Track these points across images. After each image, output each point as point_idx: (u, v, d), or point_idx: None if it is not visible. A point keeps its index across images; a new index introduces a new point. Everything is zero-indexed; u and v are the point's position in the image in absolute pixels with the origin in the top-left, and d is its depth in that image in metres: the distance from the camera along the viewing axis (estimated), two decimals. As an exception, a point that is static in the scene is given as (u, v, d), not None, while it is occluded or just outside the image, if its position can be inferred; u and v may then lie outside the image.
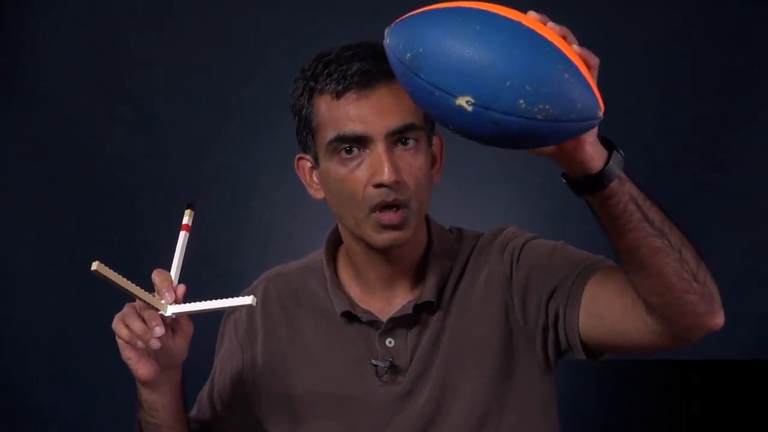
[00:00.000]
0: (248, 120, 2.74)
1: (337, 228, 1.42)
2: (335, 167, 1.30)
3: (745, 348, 2.56)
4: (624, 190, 1.11)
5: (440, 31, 1.00)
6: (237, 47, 2.74)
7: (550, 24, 1.04)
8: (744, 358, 2.56)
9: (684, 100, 2.62)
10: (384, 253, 1.35)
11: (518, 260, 1.35)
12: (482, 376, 1.34)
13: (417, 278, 1.38)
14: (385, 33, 1.06)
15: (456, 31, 1.00)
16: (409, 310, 1.35)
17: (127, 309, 1.26)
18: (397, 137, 1.28)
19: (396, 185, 1.28)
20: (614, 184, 1.10)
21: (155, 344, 1.24)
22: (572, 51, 1.01)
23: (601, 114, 1.01)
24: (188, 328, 1.30)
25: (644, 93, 2.62)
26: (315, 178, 1.37)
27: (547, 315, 1.31)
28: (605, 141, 1.11)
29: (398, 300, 1.38)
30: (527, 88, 0.97)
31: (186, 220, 1.34)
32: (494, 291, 1.36)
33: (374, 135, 1.27)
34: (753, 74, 2.59)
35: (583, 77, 1.00)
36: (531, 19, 1.02)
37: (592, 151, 1.08)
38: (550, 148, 1.09)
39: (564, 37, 1.03)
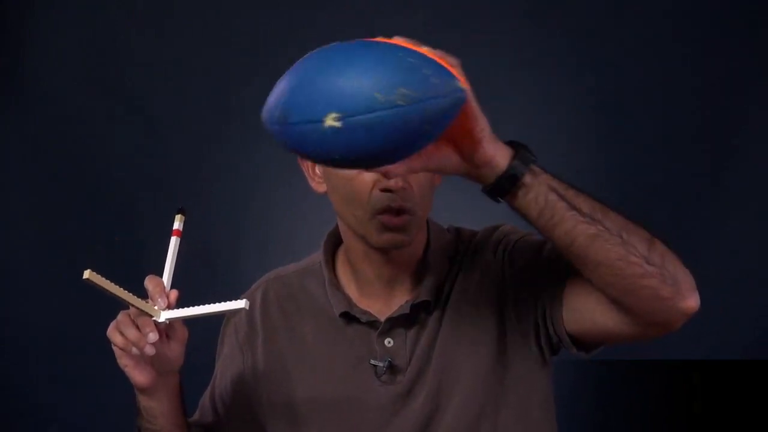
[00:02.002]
0: (248, 120, 2.73)
1: (335, 229, 1.43)
2: None
3: (746, 348, 2.56)
4: (540, 182, 1.12)
5: (290, 79, 1.03)
6: (237, 47, 2.74)
7: (396, 38, 1.06)
8: (744, 358, 2.56)
9: (684, 100, 2.62)
10: (383, 252, 1.35)
11: (511, 258, 1.36)
12: (478, 374, 1.34)
13: (415, 278, 1.39)
14: (262, 115, 1.07)
15: (303, 69, 1.03)
16: (407, 310, 1.36)
17: (121, 316, 1.27)
18: None
19: (403, 191, 1.28)
20: (527, 178, 1.11)
21: (150, 350, 1.25)
22: (420, 48, 1.04)
23: (461, 85, 1.03)
24: (183, 333, 1.31)
25: (644, 92, 2.62)
26: (318, 171, 1.37)
27: (536, 311, 1.32)
28: (511, 143, 1.13)
29: (397, 300, 1.38)
30: (379, 80, 0.98)
31: (177, 225, 1.34)
32: (489, 289, 1.36)
33: None
34: (753, 74, 2.59)
35: (431, 59, 1.02)
36: (379, 39, 1.05)
37: (493, 149, 1.10)
38: (453, 162, 1.11)
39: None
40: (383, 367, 1.36)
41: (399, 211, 1.29)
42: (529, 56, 2.61)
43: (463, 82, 1.03)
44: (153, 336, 1.24)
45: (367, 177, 1.29)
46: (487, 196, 1.15)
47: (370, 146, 1.01)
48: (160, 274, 1.30)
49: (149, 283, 1.28)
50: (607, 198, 1.16)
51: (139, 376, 1.29)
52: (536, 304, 1.32)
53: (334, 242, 1.44)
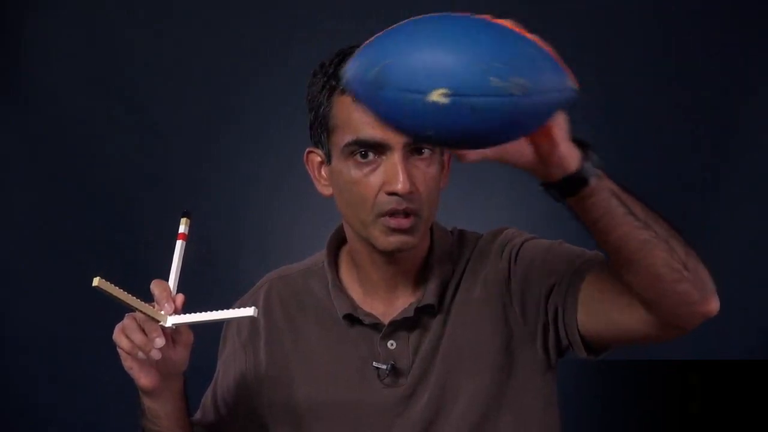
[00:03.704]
0: (248, 120, 2.74)
1: (339, 229, 1.43)
2: (349, 169, 1.30)
3: (744, 348, 2.56)
4: (604, 186, 1.11)
5: (402, 38, 0.99)
6: (237, 47, 2.73)
7: (506, 20, 1.03)
8: (743, 358, 2.56)
9: (684, 99, 2.62)
10: (387, 255, 1.35)
11: (516, 260, 1.36)
12: (482, 377, 1.34)
13: (419, 280, 1.39)
14: (343, 71, 1.04)
15: (416, 34, 0.99)
16: (410, 313, 1.36)
17: (127, 320, 1.26)
18: (414, 147, 1.28)
19: (409, 195, 1.28)
20: (593, 181, 1.10)
21: (156, 355, 1.25)
22: (533, 36, 1.01)
23: (573, 84, 1.01)
24: (188, 337, 1.31)
25: (644, 92, 2.63)
26: (324, 174, 1.37)
27: (546, 313, 1.32)
28: (577, 141, 1.11)
29: (400, 302, 1.38)
30: (496, 64, 0.95)
31: (182, 228, 1.34)
32: (493, 292, 1.36)
33: (392, 143, 1.27)
34: (754, 74, 2.59)
35: (547, 52, 1.00)
36: (486, 16, 1.02)
37: (567, 150, 1.08)
38: (526, 156, 1.09)
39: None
40: (386, 369, 1.36)
41: (406, 213, 1.29)
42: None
43: (573, 80, 1.01)
44: (160, 341, 1.24)
45: (373, 180, 1.28)
46: (546, 194, 1.13)
47: (471, 128, 0.97)
48: (163, 275, 1.30)
49: (155, 287, 1.28)
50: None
51: (143, 379, 1.29)
52: (546, 306, 1.32)
53: (338, 243, 1.44)
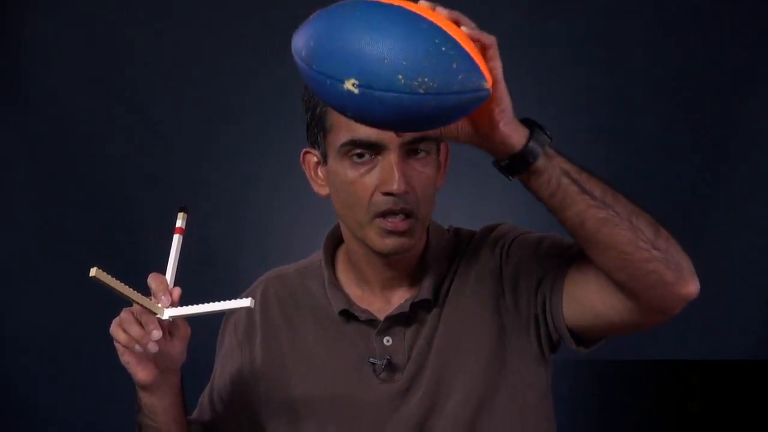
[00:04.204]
0: (248, 120, 2.74)
1: (336, 228, 1.43)
2: (345, 170, 1.30)
3: (745, 348, 2.56)
4: (554, 165, 1.13)
5: (325, 23, 1.03)
6: (237, 47, 2.74)
7: (439, 9, 1.05)
8: (743, 358, 2.56)
9: (684, 99, 2.62)
10: (384, 257, 1.35)
11: (508, 253, 1.36)
12: (475, 370, 1.34)
13: (415, 278, 1.39)
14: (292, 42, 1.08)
15: (339, 19, 1.02)
16: (406, 308, 1.36)
17: (124, 314, 1.27)
18: (410, 147, 1.29)
19: (405, 195, 1.28)
20: (541, 160, 1.12)
21: (153, 348, 1.25)
22: (457, 30, 1.03)
23: (487, 86, 1.03)
24: (185, 330, 1.31)
25: (645, 92, 2.63)
26: (320, 174, 1.37)
27: (536, 304, 1.32)
28: (525, 121, 1.13)
29: (396, 299, 1.38)
30: (404, 63, 0.98)
31: (179, 223, 1.34)
32: (486, 285, 1.36)
33: (388, 143, 1.27)
34: (754, 73, 2.59)
35: (465, 51, 1.01)
36: (418, 6, 1.04)
37: (509, 130, 1.10)
38: (466, 133, 1.11)
39: (456, 21, 1.04)
40: (382, 365, 1.36)
41: (403, 215, 1.29)
42: (528, 55, 2.61)
43: (489, 81, 1.03)
44: (157, 334, 1.24)
45: (369, 181, 1.29)
46: (498, 172, 1.15)
47: (383, 118, 1.02)
48: (162, 272, 1.30)
49: (152, 280, 1.28)
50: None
51: (140, 373, 1.29)
52: (536, 298, 1.32)
53: (335, 242, 1.44)
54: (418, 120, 1.03)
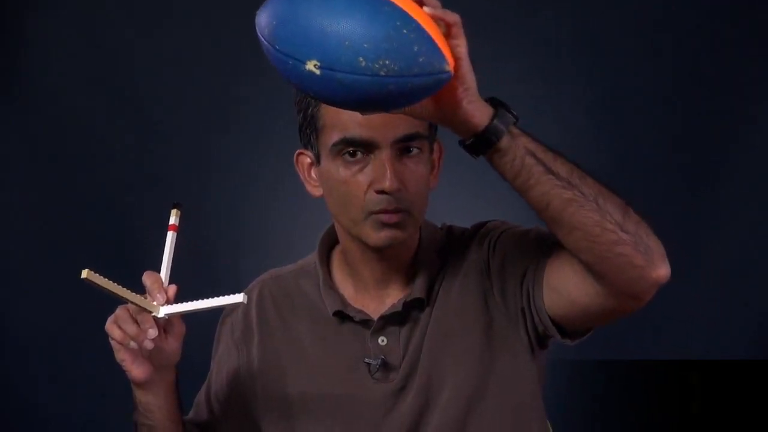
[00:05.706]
0: (248, 120, 2.75)
1: (331, 228, 1.43)
2: (337, 169, 1.30)
3: (745, 348, 2.56)
4: (518, 145, 1.12)
5: (288, 3, 1.03)
6: (237, 47, 2.73)
7: None
8: (743, 358, 2.56)
9: (683, 98, 2.62)
10: (378, 252, 1.35)
11: (494, 248, 1.36)
12: (465, 366, 1.35)
13: (409, 276, 1.39)
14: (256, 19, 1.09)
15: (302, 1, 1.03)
16: (399, 308, 1.36)
17: (119, 311, 1.27)
18: (402, 145, 1.29)
19: (398, 193, 1.28)
20: (505, 140, 1.12)
21: (149, 345, 1.25)
22: (420, 11, 1.03)
23: (448, 68, 1.03)
24: (180, 328, 1.31)
25: (644, 92, 2.63)
26: (314, 175, 1.37)
27: (522, 296, 1.32)
28: (491, 100, 1.13)
29: (390, 299, 1.39)
30: (365, 45, 0.99)
31: (173, 220, 1.35)
32: (474, 281, 1.37)
33: (380, 141, 1.27)
34: (754, 73, 2.60)
35: (427, 34, 1.02)
36: None
37: (473, 109, 1.10)
38: (429, 111, 1.11)
39: (419, 1, 1.04)
40: (377, 365, 1.36)
41: (396, 210, 1.29)
42: (528, 55, 2.61)
43: (450, 63, 1.03)
44: (153, 332, 1.24)
45: (362, 179, 1.29)
46: (464, 150, 1.15)
47: (345, 99, 1.03)
48: (158, 270, 1.30)
49: (147, 279, 1.28)
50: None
51: (136, 370, 1.29)
52: (521, 290, 1.32)
53: (329, 243, 1.44)
54: (379, 101, 1.04)
